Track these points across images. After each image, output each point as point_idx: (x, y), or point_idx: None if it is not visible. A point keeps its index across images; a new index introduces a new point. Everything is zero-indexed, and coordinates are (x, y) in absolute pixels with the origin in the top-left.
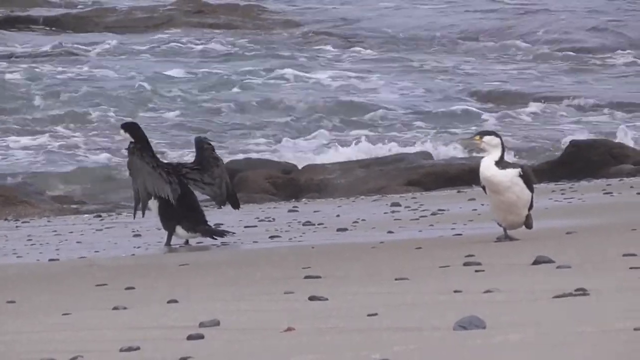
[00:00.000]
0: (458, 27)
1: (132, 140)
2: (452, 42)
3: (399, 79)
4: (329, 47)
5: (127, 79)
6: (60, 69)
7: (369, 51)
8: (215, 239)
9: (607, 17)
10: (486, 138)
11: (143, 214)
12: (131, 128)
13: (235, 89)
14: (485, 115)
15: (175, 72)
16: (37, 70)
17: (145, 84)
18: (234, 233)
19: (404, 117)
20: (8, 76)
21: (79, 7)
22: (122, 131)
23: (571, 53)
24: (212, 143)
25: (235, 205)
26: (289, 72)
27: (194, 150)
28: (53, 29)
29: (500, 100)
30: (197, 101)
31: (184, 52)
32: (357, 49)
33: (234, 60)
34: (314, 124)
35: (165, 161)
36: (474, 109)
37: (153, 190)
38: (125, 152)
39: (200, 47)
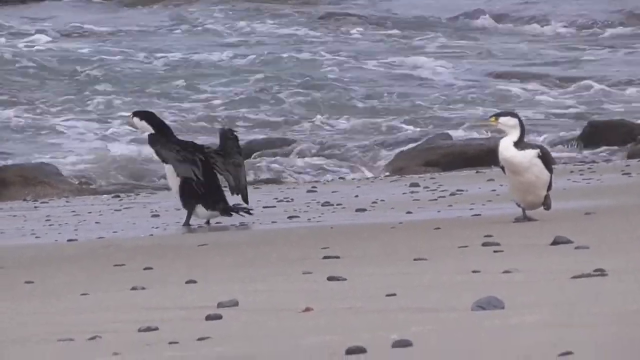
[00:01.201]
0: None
1: (151, 128)
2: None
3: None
4: (360, 30)
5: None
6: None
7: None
8: (232, 215)
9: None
10: (502, 119)
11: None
12: (147, 116)
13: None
14: None
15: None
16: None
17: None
18: (251, 209)
19: None
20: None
21: None
22: (136, 119)
23: None
24: (236, 134)
25: (245, 200)
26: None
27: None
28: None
29: None
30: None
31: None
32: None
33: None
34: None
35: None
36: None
37: (183, 174)
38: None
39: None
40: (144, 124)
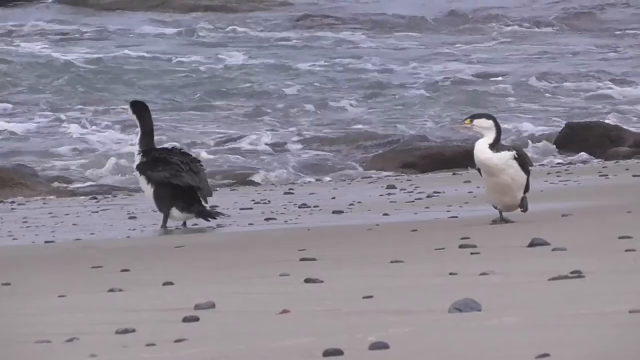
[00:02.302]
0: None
1: (137, 120)
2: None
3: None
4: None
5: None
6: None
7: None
8: (209, 221)
9: None
10: (476, 121)
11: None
12: (139, 109)
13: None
14: None
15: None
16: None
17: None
18: (228, 215)
19: None
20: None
21: None
22: (129, 110)
23: None
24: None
25: (207, 194)
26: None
27: None
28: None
29: None
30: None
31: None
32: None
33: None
34: None
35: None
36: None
37: (186, 183)
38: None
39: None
40: (132, 115)
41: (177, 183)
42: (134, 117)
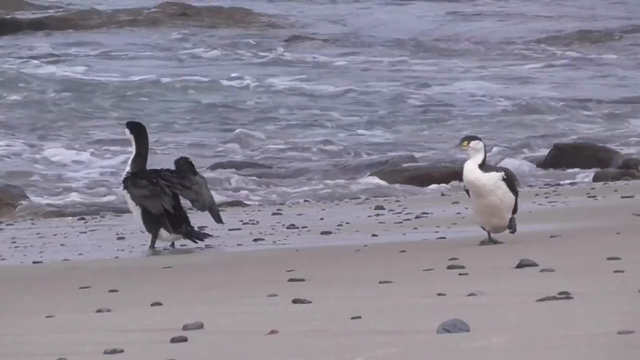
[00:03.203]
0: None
1: (134, 141)
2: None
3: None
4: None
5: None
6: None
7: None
8: (196, 242)
9: None
10: (472, 143)
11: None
12: (138, 130)
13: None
14: None
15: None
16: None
17: None
18: (217, 236)
19: None
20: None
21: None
22: (127, 131)
23: None
24: (190, 160)
25: (216, 218)
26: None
27: None
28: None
29: None
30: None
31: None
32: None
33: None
34: None
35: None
36: None
37: (159, 210)
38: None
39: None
40: (130, 135)
41: (151, 209)
42: (131, 137)
